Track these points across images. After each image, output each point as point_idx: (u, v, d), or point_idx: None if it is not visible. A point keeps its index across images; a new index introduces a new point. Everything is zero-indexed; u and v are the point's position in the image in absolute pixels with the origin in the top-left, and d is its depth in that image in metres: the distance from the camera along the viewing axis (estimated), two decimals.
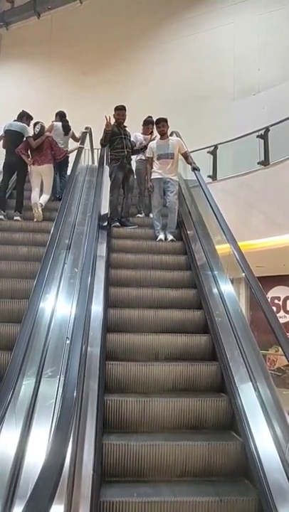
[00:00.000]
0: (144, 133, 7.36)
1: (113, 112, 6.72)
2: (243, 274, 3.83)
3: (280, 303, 11.63)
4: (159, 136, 6.43)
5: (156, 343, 3.99)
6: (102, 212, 5.61)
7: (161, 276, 5.01)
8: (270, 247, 8.67)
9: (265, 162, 8.65)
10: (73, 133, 7.92)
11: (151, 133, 7.19)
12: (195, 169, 6.22)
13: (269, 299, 11.06)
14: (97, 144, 8.13)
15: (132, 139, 6.89)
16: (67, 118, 7.91)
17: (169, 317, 4.35)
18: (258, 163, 8.76)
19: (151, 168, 6.25)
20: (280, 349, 3.08)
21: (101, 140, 6.69)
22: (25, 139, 6.82)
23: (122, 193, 6.61)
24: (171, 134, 6.72)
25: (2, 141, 7.05)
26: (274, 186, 8.44)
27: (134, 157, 7.10)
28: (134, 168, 6.99)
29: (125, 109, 6.66)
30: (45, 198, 6.60)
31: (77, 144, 7.51)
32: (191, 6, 13.67)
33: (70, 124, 7.85)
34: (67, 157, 7.33)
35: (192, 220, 6.12)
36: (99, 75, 14.52)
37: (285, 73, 11.78)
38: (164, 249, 5.70)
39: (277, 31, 12.19)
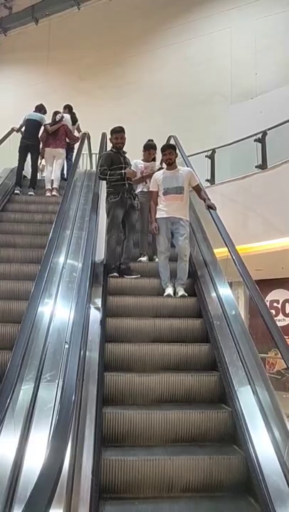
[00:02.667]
0: (146, 159, 6.13)
1: (109, 133, 5.55)
2: (242, 280, 3.83)
3: (279, 306, 11.63)
4: (164, 166, 5.31)
5: None
6: (97, 259, 4.71)
7: (172, 352, 3.92)
8: (268, 250, 8.69)
9: (262, 166, 8.69)
10: (79, 124, 9.02)
11: (154, 159, 6.23)
12: (210, 207, 5.03)
13: (268, 303, 11.09)
14: (95, 148, 8.17)
15: (132, 167, 5.70)
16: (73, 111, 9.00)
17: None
18: (256, 166, 8.80)
19: (156, 205, 5.10)
20: (279, 352, 3.09)
21: (99, 168, 5.35)
22: (43, 126, 8.04)
23: (122, 228, 5.36)
24: (171, 158, 5.18)
25: (23, 128, 8.26)
26: (272, 190, 8.47)
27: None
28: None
29: (124, 131, 5.38)
30: (56, 174, 7.77)
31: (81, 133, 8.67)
32: (187, 11, 13.75)
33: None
34: (73, 144, 8.44)
35: (206, 263, 5.00)
36: (95, 81, 14.59)
37: (282, 77, 11.85)
38: (172, 308, 4.56)
39: (273, 36, 12.28)
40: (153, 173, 5.57)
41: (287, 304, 11.80)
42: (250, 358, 3.46)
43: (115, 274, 4.93)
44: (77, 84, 14.81)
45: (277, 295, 11.73)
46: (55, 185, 7.65)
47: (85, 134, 8.40)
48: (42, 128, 8.02)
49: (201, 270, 4.97)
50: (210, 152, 9.83)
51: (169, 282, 4.81)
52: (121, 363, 3.80)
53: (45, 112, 8.35)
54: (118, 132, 5.37)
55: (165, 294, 4.71)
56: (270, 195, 8.47)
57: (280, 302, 11.83)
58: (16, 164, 7.98)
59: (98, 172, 5.32)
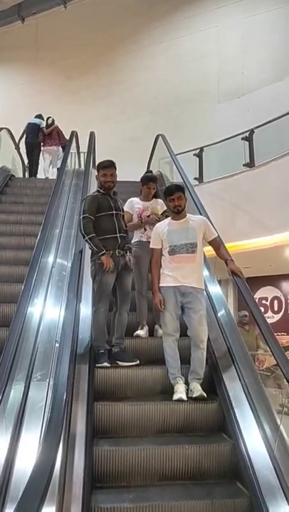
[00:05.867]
0: (145, 197, 4.61)
1: (96, 169, 4.20)
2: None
3: (268, 303, 11.72)
4: (169, 217, 3.93)
5: None
6: (80, 348, 3.63)
7: None
8: (256, 247, 8.76)
9: (250, 164, 8.75)
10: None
11: (155, 195, 4.70)
12: (235, 274, 3.70)
13: (257, 300, 11.16)
14: (83, 147, 8.17)
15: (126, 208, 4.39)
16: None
17: None
18: (244, 165, 8.86)
19: (159, 269, 3.72)
20: (269, 349, 3.12)
21: (81, 217, 3.87)
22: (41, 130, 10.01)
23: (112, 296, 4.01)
24: (180, 205, 3.76)
25: (26, 130, 10.17)
26: (259, 188, 8.54)
27: None
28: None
29: (115, 167, 3.99)
30: (53, 170, 9.43)
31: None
32: (175, 9, 13.77)
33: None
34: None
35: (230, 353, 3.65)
36: (83, 80, 14.56)
37: (269, 76, 11.93)
38: (184, 422, 3.23)
39: (260, 35, 12.36)
40: (155, 220, 4.32)
41: (275, 301, 11.89)
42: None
43: (105, 363, 3.59)
44: (65, 84, 14.77)
45: (266, 292, 11.82)
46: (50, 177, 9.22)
47: (72, 132, 8.40)
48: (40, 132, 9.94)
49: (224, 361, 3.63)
50: (198, 150, 9.87)
51: (179, 377, 3.44)
52: None
53: (42, 119, 10.20)
54: (107, 168, 3.96)
55: (175, 397, 3.31)
56: (258, 193, 8.54)
57: (269, 299, 11.92)
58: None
59: (80, 223, 3.84)
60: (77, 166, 9.17)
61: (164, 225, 3.80)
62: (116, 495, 2.64)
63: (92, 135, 7.86)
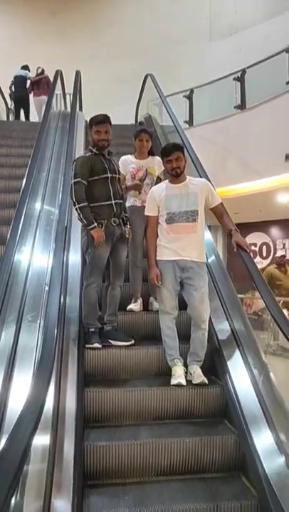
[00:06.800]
0: (139, 154, 4.07)
1: (88, 124, 3.65)
2: None
3: (257, 249, 11.83)
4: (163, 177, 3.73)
5: None
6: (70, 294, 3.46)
7: None
8: (246, 193, 8.70)
9: (241, 106, 8.53)
10: None
11: (150, 153, 4.13)
12: (240, 247, 3.29)
13: None
14: (69, 89, 7.85)
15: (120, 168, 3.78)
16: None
17: None
18: (235, 107, 8.63)
19: (155, 239, 3.34)
20: (257, 294, 3.12)
21: (72, 182, 3.39)
22: (28, 80, 10.16)
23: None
24: (179, 167, 3.33)
25: (13, 83, 10.34)
26: (251, 131, 8.37)
27: None
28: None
29: (110, 121, 3.47)
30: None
31: None
32: None
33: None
34: None
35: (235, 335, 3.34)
36: (68, 17, 13.85)
37: (263, 13, 11.44)
38: (185, 407, 2.99)
39: None
40: (151, 182, 3.93)
41: (264, 246, 11.99)
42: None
43: (96, 344, 3.29)
44: (49, 21, 14.00)
45: (255, 238, 11.90)
46: None
47: (57, 72, 8.01)
48: (28, 82, 10.10)
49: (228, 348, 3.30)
50: (188, 92, 9.56)
51: (177, 358, 3.16)
52: None
53: (29, 70, 10.27)
54: (101, 123, 3.43)
55: (173, 382, 3.05)
56: (249, 137, 8.37)
57: (258, 245, 12.02)
58: None
59: (71, 188, 3.37)
60: (63, 108, 8.82)
61: (161, 189, 3.36)
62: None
63: (78, 74, 7.53)
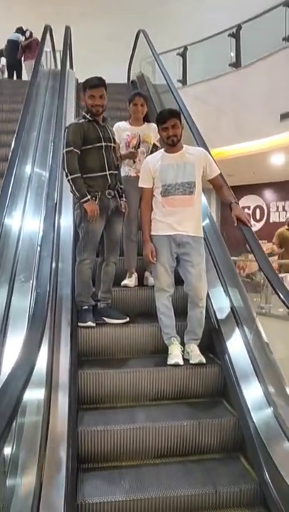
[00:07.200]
0: (134, 120, 3.82)
1: (82, 87, 3.35)
2: None
3: (250, 212, 11.81)
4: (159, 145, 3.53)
5: None
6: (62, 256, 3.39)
7: None
8: (240, 154, 8.61)
9: (236, 64, 8.32)
10: None
11: (146, 118, 3.87)
12: (240, 220, 3.09)
13: None
14: (59, 45, 7.60)
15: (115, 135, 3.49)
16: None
17: None
18: (230, 65, 8.42)
19: (149, 213, 3.16)
20: (250, 256, 3.08)
21: (64, 151, 3.19)
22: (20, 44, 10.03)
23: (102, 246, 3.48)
24: (176, 135, 3.08)
25: (6, 48, 10.32)
26: (245, 90, 8.19)
27: None
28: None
29: (105, 85, 3.23)
30: None
31: None
32: None
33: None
34: None
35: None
36: None
37: None
38: (182, 387, 2.91)
39: None
40: (147, 150, 3.71)
41: (258, 209, 11.97)
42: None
43: (90, 323, 3.17)
44: None
45: (248, 201, 11.87)
46: None
47: (46, 27, 7.72)
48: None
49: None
50: (182, 50, 9.30)
51: (174, 337, 3.05)
52: None
53: (23, 33, 10.12)
54: (95, 87, 3.19)
55: (170, 361, 2.94)
56: (244, 96, 8.22)
57: (251, 208, 12.00)
58: None
59: (63, 158, 3.18)
60: (53, 67, 8.55)
61: (156, 159, 3.13)
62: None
63: (67, 30, 7.26)
